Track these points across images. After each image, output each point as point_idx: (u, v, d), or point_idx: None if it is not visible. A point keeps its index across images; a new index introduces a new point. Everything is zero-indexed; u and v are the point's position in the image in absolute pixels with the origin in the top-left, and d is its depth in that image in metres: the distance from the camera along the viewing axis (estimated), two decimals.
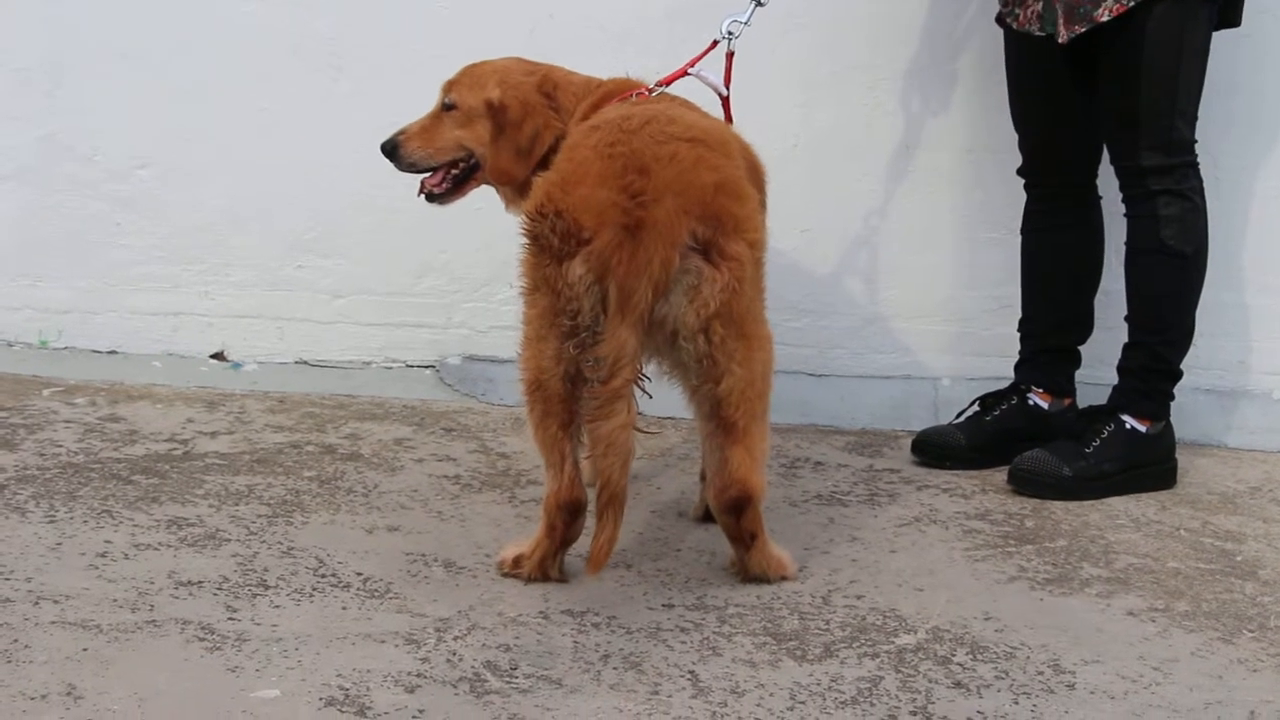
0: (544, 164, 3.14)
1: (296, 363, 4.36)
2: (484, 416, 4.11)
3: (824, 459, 3.87)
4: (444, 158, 3.36)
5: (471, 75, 3.35)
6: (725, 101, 3.31)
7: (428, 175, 3.39)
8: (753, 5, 3.43)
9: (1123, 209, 3.69)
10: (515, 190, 3.29)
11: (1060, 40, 3.54)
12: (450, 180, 3.39)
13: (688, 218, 2.76)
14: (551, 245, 2.78)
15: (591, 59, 4.08)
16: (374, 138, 4.22)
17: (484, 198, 4.17)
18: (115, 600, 2.80)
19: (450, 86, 3.36)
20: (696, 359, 2.83)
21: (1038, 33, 3.63)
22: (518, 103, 3.26)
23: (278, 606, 2.81)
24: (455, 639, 2.70)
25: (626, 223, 2.73)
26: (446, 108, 3.36)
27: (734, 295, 2.80)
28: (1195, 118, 3.60)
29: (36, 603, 2.77)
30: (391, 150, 3.38)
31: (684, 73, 3.31)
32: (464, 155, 3.36)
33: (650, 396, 3.03)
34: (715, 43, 3.39)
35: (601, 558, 2.75)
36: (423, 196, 3.40)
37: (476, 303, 4.33)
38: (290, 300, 4.36)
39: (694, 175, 2.80)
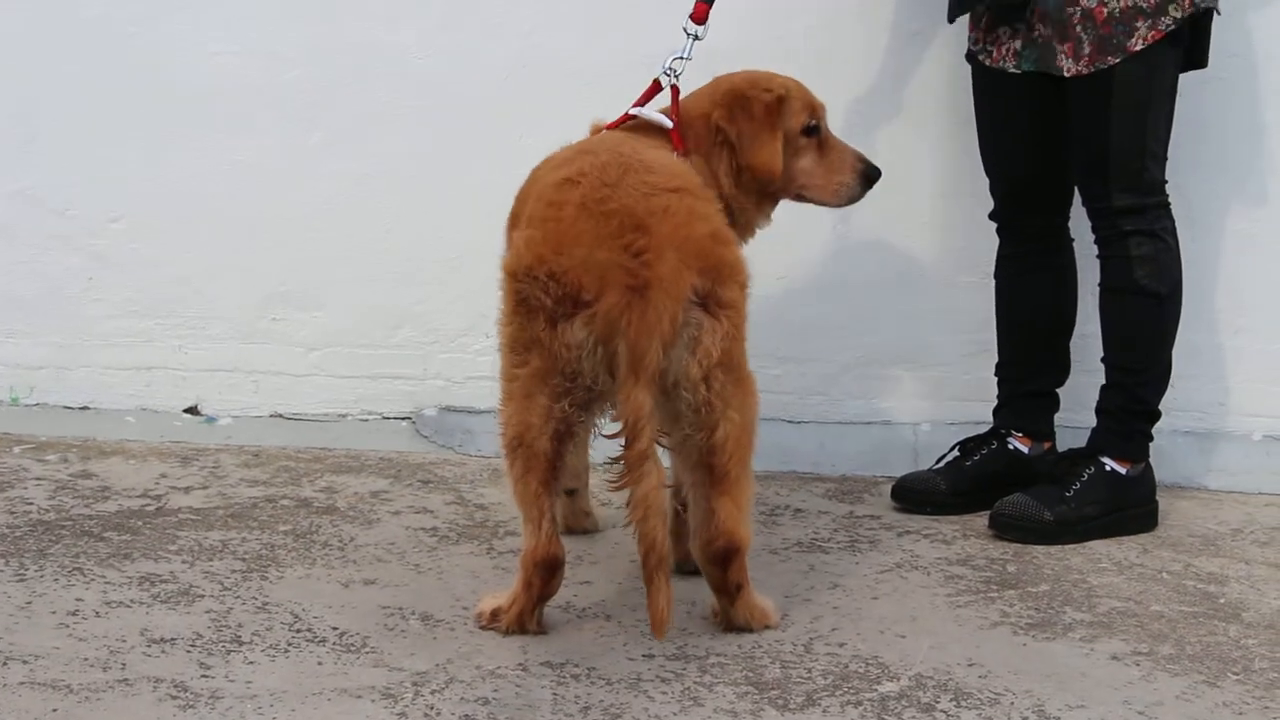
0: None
1: (271, 416, 4.33)
2: (461, 468, 4.08)
3: (804, 506, 3.85)
4: None
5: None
6: (674, 131, 3.25)
7: None
8: (690, 39, 3.39)
9: (1095, 250, 3.69)
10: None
11: (1074, 74, 3.51)
12: None
13: (690, 272, 2.76)
14: (545, 307, 2.77)
15: (566, 105, 4.10)
16: (348, 188, 4.27)
17: (463, 247, 4.19)
18: (86, 659, 2.75)
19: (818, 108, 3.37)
20: (694, 408, 2.82)
21: (1013, 70, 3.64)
22: None
23: (252, 663, 2.77)
24: (433, 693, 2.67)
25: (633, 283, 2.71)
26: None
27: (733, 342, 2.82)
28: (1165, 158, 3.62)
29: (5, 663, 2.73)
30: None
31: (627, 117, 3.29)
32: None
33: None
34: (656, 81, 3.36)
35: (663, 621, 2.71)
36: None
37: (453, 354, 4.31)
38: (265, 353, 4.33)
39: (690, 228, 2.80)
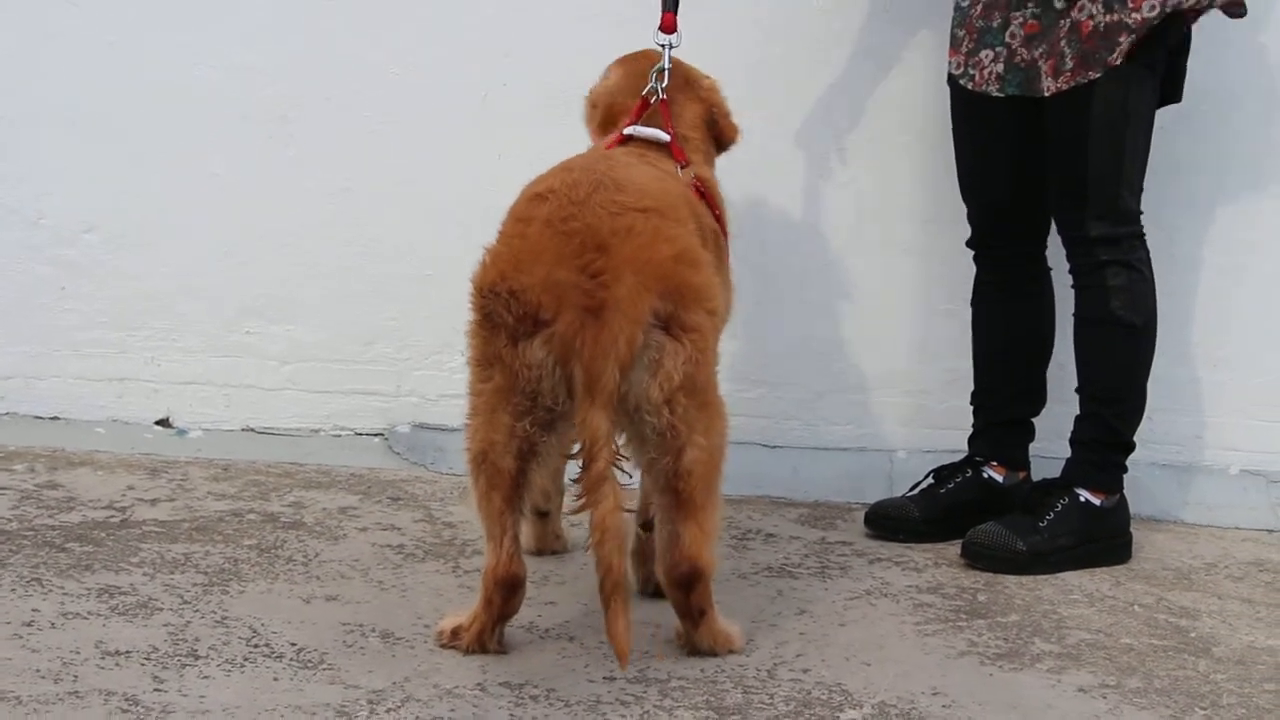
0: None
1: (243, 430, 4.29)
2: (432, 485, 4.04)
3: (776, 531, 3.82)
4: None
5: None
6: (671, 144, 3.23)
7: None
8: (666, 50, 3.35)
9: (1070, 280, 3.67)
10: None
11: (1054, 92, 3.50)
12: None
13: (649, 294, 2.72)
14: (506, 324, 2.74)
15: (542, 124, 4.09)
16: (323, 203, 4.25)
17: (437, 263, 4.16)
18: (38, 670, 2.71)
19: None
20: (659, 432, 2.78)
21: (996, 93, 3.62)
22: None
23: (207, 677, 2.73)
24: (388, 711, 2.63)
25: (588, 304, 2.68)
26: None
27: (697, 367, 2.77)
28: (1141, 189, 3.60)
29: None
30: None
31: (622, 138, 3.26)
32: None
33: (630, 476, 2.95)
34: (643, 98, 3.33)
35: (624, 648, 2.67)
36: None
37: (426, 370, 4.28)
38: (237, 367, 4.30)
39: (652, 249, 2.76)
